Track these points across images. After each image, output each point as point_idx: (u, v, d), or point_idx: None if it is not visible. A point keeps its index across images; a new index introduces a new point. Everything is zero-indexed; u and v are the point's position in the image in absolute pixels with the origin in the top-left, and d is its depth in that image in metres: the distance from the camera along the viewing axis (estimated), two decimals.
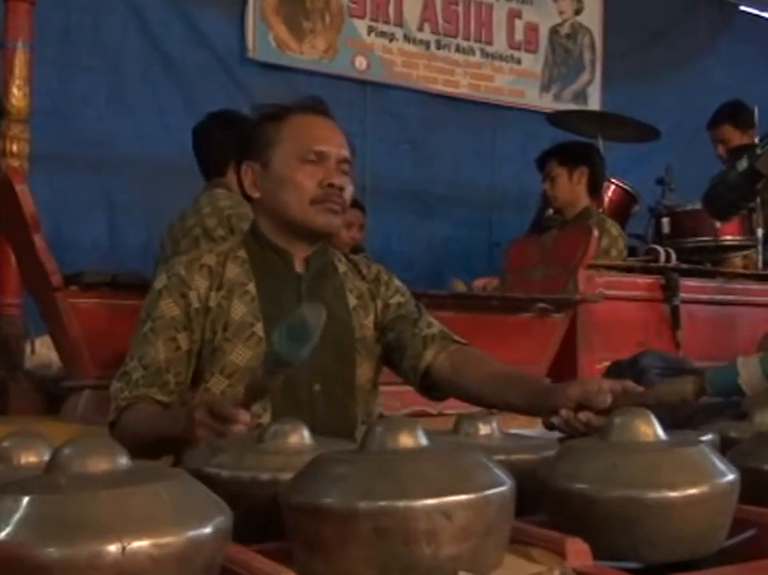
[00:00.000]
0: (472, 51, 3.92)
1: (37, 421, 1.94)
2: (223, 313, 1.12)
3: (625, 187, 3.00)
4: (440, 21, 3.86)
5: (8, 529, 0.50)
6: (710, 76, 4.35)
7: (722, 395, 0.91)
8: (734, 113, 3.09)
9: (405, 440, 0.63)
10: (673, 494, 0.64)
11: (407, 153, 3.77)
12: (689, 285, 2.70)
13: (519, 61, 4.04)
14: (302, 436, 0.76)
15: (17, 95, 2.18)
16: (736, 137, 3.04)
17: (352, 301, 1.20)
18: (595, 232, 2.50)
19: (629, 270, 2.70)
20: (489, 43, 3.96)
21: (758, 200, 2.53)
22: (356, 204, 2.51)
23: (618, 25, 4.18)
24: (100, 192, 3.12)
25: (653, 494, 0.64)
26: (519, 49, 4.04)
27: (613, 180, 2.97)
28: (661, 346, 2.45)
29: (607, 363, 2.07)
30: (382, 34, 3.71)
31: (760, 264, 2.89)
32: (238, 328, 1.11)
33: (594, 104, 4.17)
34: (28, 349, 2.21)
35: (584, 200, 2.71)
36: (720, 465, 0.68)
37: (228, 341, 1.11)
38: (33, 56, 2.26)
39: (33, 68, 2.27)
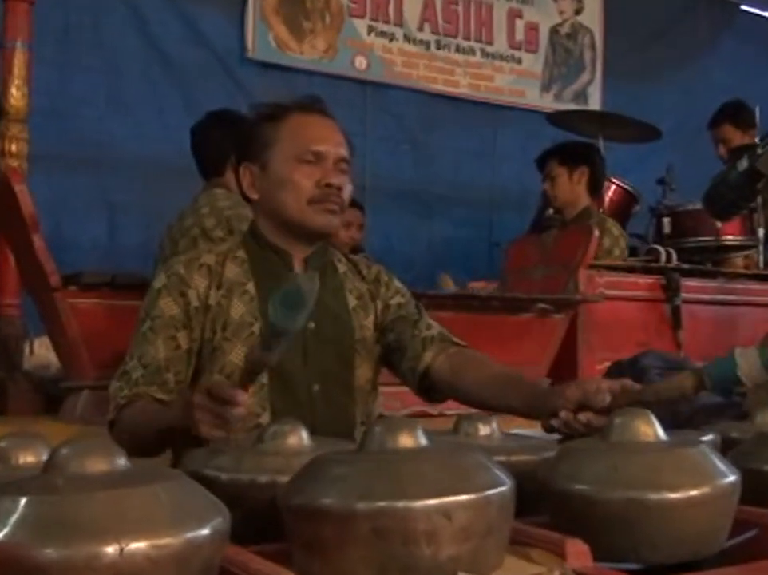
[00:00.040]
0: (472, 51, 3.92)
1: (36, 421, 1.94)
2: (222, 312, 1.12)
3: (626, 187, 3.00)
4: (440, 21, 3.85)
5: (5, 530, 0.50)
6: (710, 75, 4.34)
7: (721, 388, 0.91)
8: (735, 113, 3.08)
9: (405, 440, 0.62)
10: (674, 495, 0.64)
11: (407, 153, 3.77)
12: (690, 285, 2.70)
13: (519, 61, 4.03)
14: (300, 437, 0.76)
15: (16, 95, 2.18)
16: (737, 137, 3.04)
17: (352, 302, 1.20)
18: (596, 232, 2.50)
19: (630, 270, 2.70)
20: (489, 43, 3.96)
21: (759, 199, 2.53)
22: (355, 203, 2.50)
23: (618, 24, 4.18)
24: (100, 192, 3.12)
25: (653, 495, 0.64)
26: (519, 48, 4.04)
27: (614, 180, 2.96)
28: (662, 346, 2.45)
29: (607, 364, 2.07)
30: (382, 34, 3.71)
31: (761, 264, 2.88)
32: (237, 328, 1.11)
33: (594, 104, 4.16)
34: (27, 349, 2.21)
35: (585, 200, 2.71)
36: (721, 465, 0.68)
37: (227, 340, 1.11)
38: (32, 56, 2.26)
39: (32, 68, 2.27)
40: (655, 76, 4.21)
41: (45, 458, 0.61)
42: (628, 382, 0.95)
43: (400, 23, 3.76)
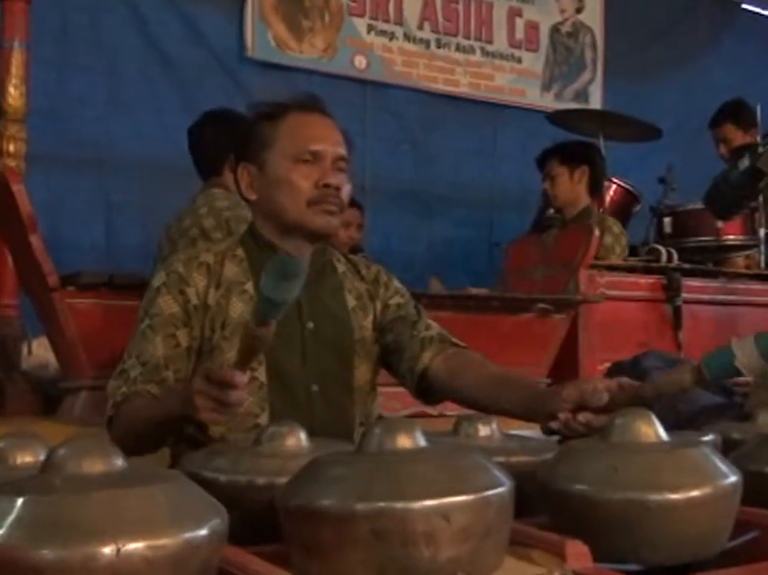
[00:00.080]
0: (472, 50, 3.91)
1: (34, 422, 1.93)
2: (221, 311, 1.12)
3: (626, 186, 2.99)
4: (440, 19, 3.85)
5: (2, 531, 0.50)
6: (711, 75, 4.33)
7: (719, 379, 0.90)
8: (736, 112, 3.08)
9: (404, 441, 0.62)
10: (674, 496, 0.64)
11: (407, 153, 3.76)
12: (691, 285, 2.70)
13: (519, 60, 4.03)
14: (299, 438, 0.76)
15: (14, 95, 2.18)
16: (738, 137, 3.04)
17: (351, 302, 1.20)
18: (596, 232, 2.49)
19: (630, 270, 2.70)
20: (490, 42, 3.95)
21: (761, 198, 2.53)
22: (354, 203, 2.50)
23: (619, 23, 4.17)
24: (99, 193, 3.11)
25: (654, 496, 0.64)
26: (519, 47, 4.03)
27: (614, 180, 2.96)
28: (663, 346, 2.45)
29: (608, 364, 2.07)
30: (382, 33, 3.70)
31: (762, 264, 2.88)
32: (236, 327, 1.11)
33: (595, 103, 4.16)
34: (25, 350, 2.20)
35: (585, 200, 2.70)
36: (722, 466, 0.68)
37: (226, 339, 1.10)
38: (29, 55, 2.25)
39: (30, 67, 2.27)
40: (656, 75, 4.20)
41: (42, 458, 0.61)
42: (625, 379, 0.95)
43: (400, 22, 3.75)
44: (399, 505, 0.55)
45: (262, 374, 1.10)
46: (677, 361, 1.59)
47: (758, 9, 4.72)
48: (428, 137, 3.78)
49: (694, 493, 0.64)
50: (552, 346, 2.42)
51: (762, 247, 2.85)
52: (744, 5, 4.68)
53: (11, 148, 2.17)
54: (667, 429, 0.72)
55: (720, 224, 2.76)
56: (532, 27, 4.08)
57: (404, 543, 0.55)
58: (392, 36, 3.72)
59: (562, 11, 4.17)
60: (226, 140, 1.67)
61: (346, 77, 3.61)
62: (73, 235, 3.01)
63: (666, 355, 1.64)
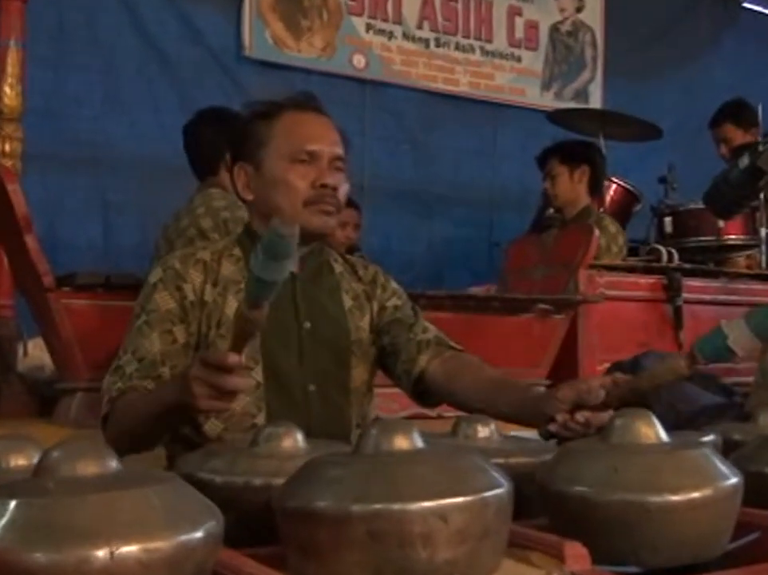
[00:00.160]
0: (472, 49, 3.90)
1: (30, 423, 1.93)
2: (217, 309, 1.11)
3: (627, 186, 2.99)
4: (439, 18, 3.84)
5: None
6: (712, 74, 4.33)
7: (713, 361, 0.90)
8: (736, 112, 3.07)
9: (401, 442, 0.62)
10: (675, 498, 0.64)
11: (407, 152, 3.75)
12: (692, 285, 2.69)
13: (519, 59, 4.02)
14: (295, 440, 0.75)
15: (10, 94, 2.18)
16: (738, 136, 3.03)
17: (348, 302, 1.19)
18: (597, 232, 2.49)
19: (631, 270, 2.69)
20: (489, 41, 3.95)
21: (762, 198, 2.52)
22: (351, 203, 2.49)
23: (620, 22, 4.16)
24: (96, 192, 3.10)
25: (654, 498, 0.63)
26: (519, 46, 4.03)
27: (615, 180, 2.95)
28: (663, 347, 2.44)
29: (608, 364, 2.06)
30: (381, 32, 3.69)
31: (764, 264, 2.87)
32: (231, 325, 1.10)
33: (595, 102, 4.15)
34: (20, 351, 2.19)
35: (585, 199, 2.70)
36: (723, 467, 0.68)
37: (222, 338, 1.10)
38: (25, 54, 2.25)
39: (26, 66, 2.26)
40: (657, 74, 4.19)
41: (36, 460, 0.61)
42: (618, 374, 0.94)
43: (399, 21, 3.74)
44: (396, 506, 0.55)
45: (259, 373, 1.10)
46: None
47: (759, 8, 4.70)
48: (427, 137, 3.77)
49: (695, 494, 0.64)
50: (552, 346, 2.42)
51: (764, 247, 2.84)
52: (745, 4, 4.67)
53: (7, 147, 2.17)
54: (667, 429, 0.72)
55: (721, 223, 2.75)
56: (532, 26, 4.07)
57: (401, 544, 0.55)
58: (391, 35, 3.71)
59: (562, 10, 4.16)
60: (222, 139, 1.66)
61: (345, 77, 3.60)
62: (70, 236, 3.00)
63: (666, 356, 1.63)
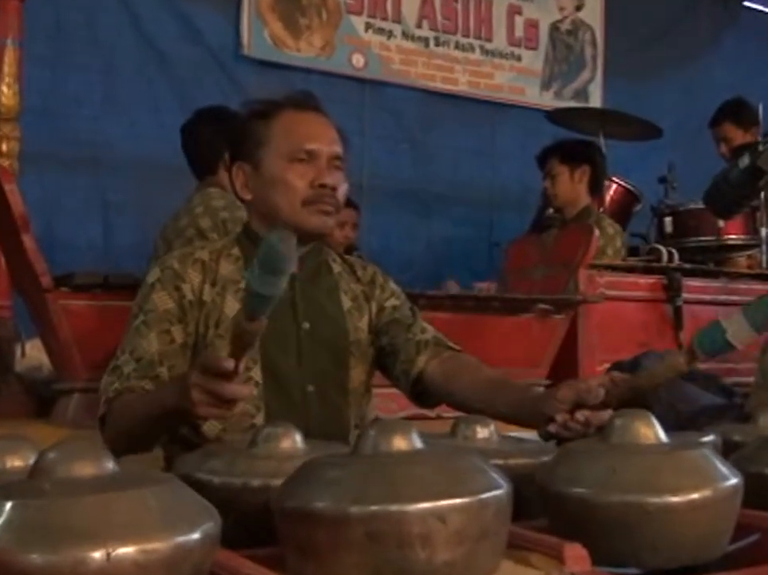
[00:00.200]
0: (471, 48, 3.90)
1: (28, 424, 1.92)
2: (216, 309, 1.11)
3: (627, 186, 2.98)
4: (439, 17, 3.84)
5: None
6: (712, 73, 4.32)
7: (712, 356, 0.90)
8: (737, 111, 3.07)
9: (399, 443, 0.61)
10: (674, 499, 0.63)
11: (406, 152, 3.75)
12: (692, 285, 2.68)
13: (519, 58, 4.02)
14: (294, 440, 0.75)
15: (7, 93, 2.17)
16: (738, 136, 3.02)
17: (346, 303, 1.19)
18: (597, 232, 2.48)
19: (631, 270, 2.69)
20: (489, 40, 3.94)
21: (762, 197, 2.51)
22: (349, 202, 2.48)
23: (620, 21, 4.16)
24: (94, 192, 3.10)
25: (654, 499, 0.63)
26: (519, 45, 4.02)
27: (615, 179, 2.95)
28: (663, 347, 2.43)
29: (608, 365, 2.06)
30: (380, 31, 3.69)
31: (764, 264, 2.87)
32: (230, 326, 1.10)
33: (595, 101, 4.15)
34: (18, 351, 2.18)
35: (585, 199, 2.69)
36: (723, 468, 0.67)
37: (220, 338, 1.09)
38: (22, 53, 2.24)
39: (24, 65, 2.26)
40: (657, 73, 4.19)
41: (32, 461, 0.60)
42: (615, 374, 0.94)
43: (398, 20, 3.73)
44: (394, 507, 0.55)
45: (257, 373, 1.10)
46: None
47: (760, 7, 4.69)
48: (427, 136, 3.77)
49: (694, 495, 0.64)
50: (552, 346, 2.41)
51: (764, 247, 2.84)
52: (746, 3, 4.66)
53: (4, 147, 2.17)
54: (667, 430, 0.71)
55: (721, 223, 2.75)
56: (532, 25, 4.06)
57: (399, 545, 0.55)
58: (390, 34, 3.71)
59: (561, 9, 4.15)
60: (220, 139, 1.66)
61: (344, 76, 3.59)
62: (69, 236, 3.00)
63: (665, 353, 1.62)
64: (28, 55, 2.34)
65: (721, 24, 4.53)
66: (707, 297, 2.72)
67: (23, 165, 2.27)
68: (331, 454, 0.68)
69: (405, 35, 3.74)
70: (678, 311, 2.62)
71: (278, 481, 0.65)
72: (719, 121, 3.10)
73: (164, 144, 2.86)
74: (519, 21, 4.03)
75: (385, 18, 3.70)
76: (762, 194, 2.40)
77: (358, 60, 3.63)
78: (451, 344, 1.17)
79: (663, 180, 3.01)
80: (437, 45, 3.81)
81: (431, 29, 3.81)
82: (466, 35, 3.89)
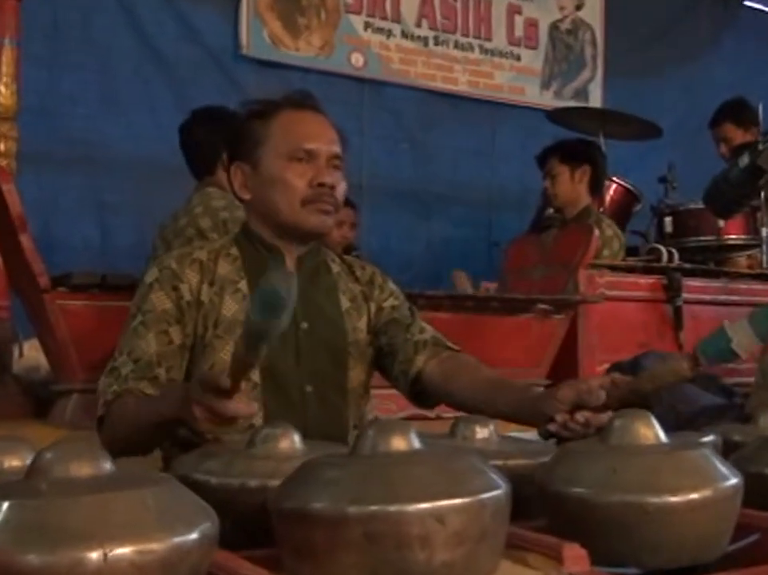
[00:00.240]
0: (471, 47, 3.89)
1: (25, 425, 1.92)
2: (214, 309, 1.11)
3: (627, 185, 2.98)
4: (438, 17, 3.83)
5: None
6: (712, 73, 4.32)
7: (716, 363, 0.90)
8: (736, 111, 3.06)
9: (398, 443, 0.61)
10: (674, 499, 0.63)
11: (405, 152, 3.75)
12: (692, 285, 2.68)
13: (519, 58, 4.01)
14: (292, 441, 0.75)
15: (5, 93, 2.17)
16: (738, 136, 3.02)
17: (345, 303, 1.19)
18: (596, 232, 2.48)
19: (630, 270, 2.68)
20: (489, 39, 3.94)
21: (762, 197, 2.51)
22: (347, 202, 2.48)
23: (620, 21, 4.16)
24: (92, 192, 3.09)
25: (653, 499, 0.63)
26: (519, 45, 4.02)
27: (615, 179, 2.95)
28: (663, 347, 2.44)
29: (607, 365, 2.06)
30: (379, 30, 3.68)
31: (765, 264, 2.86)
32: (229, 325, 1.10)
33: (595, 101, 4.14)
34: (16, 352, 2.17)
35: (585, 199, 2.69)
36: (722, 468, 0.67)
37: (219, 338, 1.09)
38: (20, 53, 2.24)
39: (21, 65, 2.25)
40: (657, 73, 4.19)
41: (29, 462, 0.60)
42: (616, 375, 0.94)
43: (397, 19, 3.73)
44: (393, 508, 0.55)
45: (256, 374, 1.10)
46: None
47: (760, 6, 4.69)
48: (426, 136, 3.77)
49: (694, 495, 0.64)
50: (552, 347, 2.41)
51: (764, 247, 2.84)
52: (746, 2, 4.66)
53: (2, 146, 2.16)
54: (667, 430, 0.71)
55: (721, 223, 2.74)
56: (532, 24, 4.06)
57: (398, 546, 0.55)
58: (389, 33, 3.71)
59: (561, 8, 4.15)
60: (218, 139, 1.65)
61: (343, 75, 3.59)
62: (66, 236, 3.00)
63: (666, 356, 1.62)
64: (25, 55, 2.33)
65: (721, 24, 4.53)
66: (707, 297, 2.71)
67: (20, 165, 2.27)
68: (330, 454, 0.68)
69: (405, 35, 3.74)
70: (678, 311, 2.61)
71: (276, 482, 0.65)
72: (719, 121, 3.09)
73: (162, 144, 2.86)
74: (519, 20, 4.02)
75: (384, 18, 3.70)
76: (762, 193, 2.40)
77: (357, 59, 3.63)
78: (450, 344, 1.17)
79: (662, 179, 3.00)
80: (436, 44, 3.81)
81: (430, 29, 3.80)
82: (466, 34, 3.89)
